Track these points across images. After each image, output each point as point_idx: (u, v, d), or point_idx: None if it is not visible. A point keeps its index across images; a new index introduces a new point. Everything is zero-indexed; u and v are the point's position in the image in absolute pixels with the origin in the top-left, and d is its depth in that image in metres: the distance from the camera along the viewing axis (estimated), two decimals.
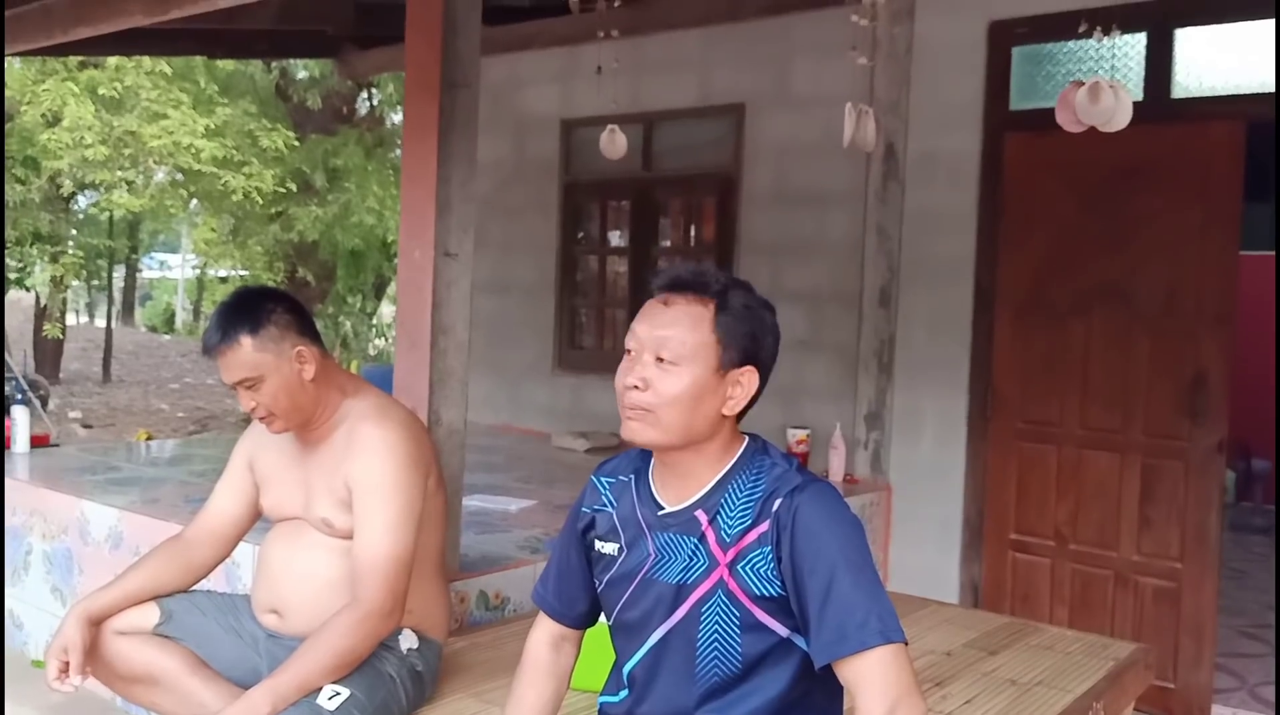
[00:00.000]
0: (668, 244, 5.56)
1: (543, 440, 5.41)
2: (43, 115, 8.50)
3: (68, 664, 2.09)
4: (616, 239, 5.69)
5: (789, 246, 4.85)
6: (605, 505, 1.73)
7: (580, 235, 5.76)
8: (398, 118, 12.27)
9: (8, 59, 9.40)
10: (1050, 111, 3.51)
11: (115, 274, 20.17)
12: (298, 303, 2.28)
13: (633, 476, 1.72)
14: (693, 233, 5.46)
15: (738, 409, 1.62)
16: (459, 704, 2.33)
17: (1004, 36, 4.22)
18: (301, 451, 2.24)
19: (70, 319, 22.26)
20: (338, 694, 1.98)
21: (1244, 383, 4.59)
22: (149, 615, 2.23)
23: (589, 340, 5.79)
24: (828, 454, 4.52)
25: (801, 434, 4.58)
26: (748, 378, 1.61)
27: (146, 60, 8.98)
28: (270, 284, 2.35)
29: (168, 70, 9.19)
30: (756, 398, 1.65)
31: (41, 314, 14.80)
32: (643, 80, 5.28)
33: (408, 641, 2.18)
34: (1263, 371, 5.83)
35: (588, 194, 5.66)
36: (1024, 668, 2.74)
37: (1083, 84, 3.17)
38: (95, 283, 20.41)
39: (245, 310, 2.15)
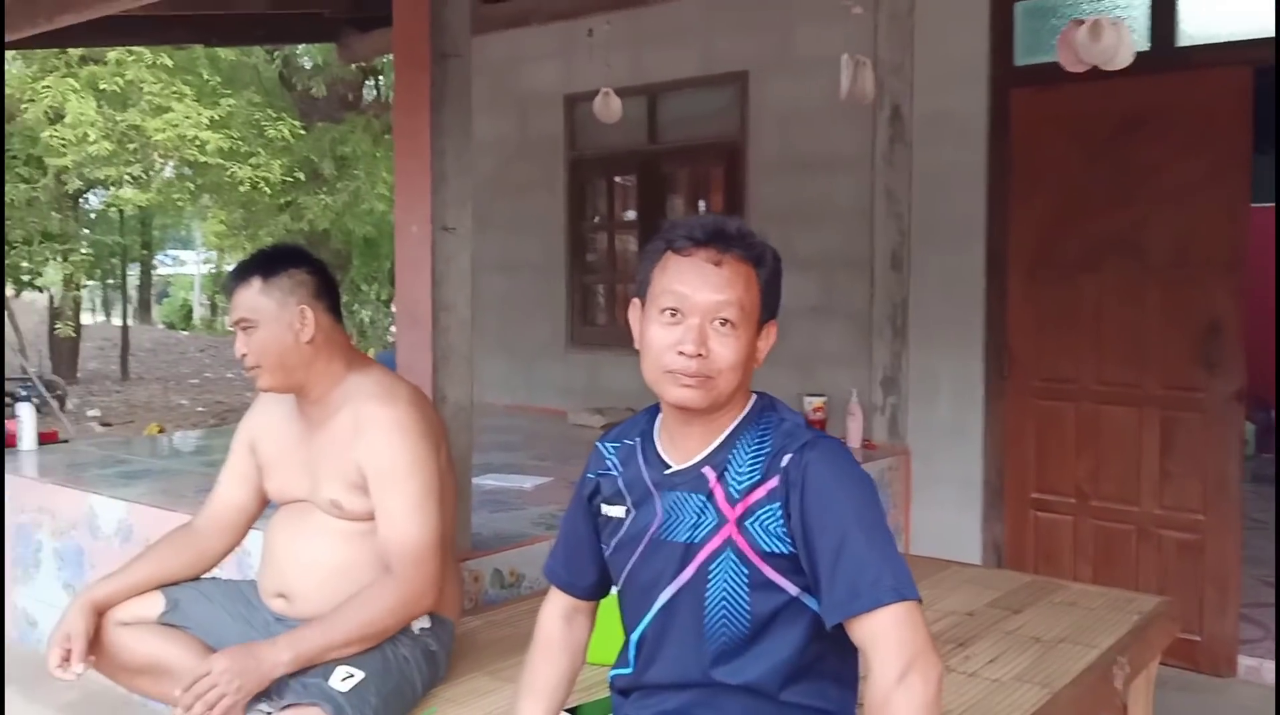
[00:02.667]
0: (676, 216, 5.50)
1: (559, 418, 5.38)
2: (44, 113, 8.49)
3: (70, 652, 2.06)
4: (625, 214, 5.63)
5: (798, 213, 4.78)
6: (610, 470, 1.69)
7: (591, 213, 5.71)
8: None
9: (14, 56, 9.39)
10: (1055, 65, 3.44)
11: (130, 271, 20.23)
12: (326, 272, 2.27)
13: (639, 439, 1.68)
14: (701, 204, 5.39)
15: (761, 362, 1.60)
16: (474, 682, 2.30)
17: None
18: (305, 432, 2.21)
19: (87, 318, 22.40)
20: (351, 675, 1.95)
21: (1262, 336, 4.52)
22: (154, 604, 2.20)
23: (602, 317, 5.75)
24: (845, 421, 4.47)
25: (818, 401, 4.53)
26: (773, 332, 1.61)
27: (148, 54, 8.97)
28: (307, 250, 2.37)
29: (169, 63, 9.18)
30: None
31: (55, 314, 14.88)
32: (644, 52, 5.22)
33: (420, 622, 2.15)
34: None
35: (594, 169, 5.60)
36: (1048, 625, 2.70)
37: (1083, 22, 3.09)
38: (110, 281, 20.48)
39: (271, 259, 2.20)
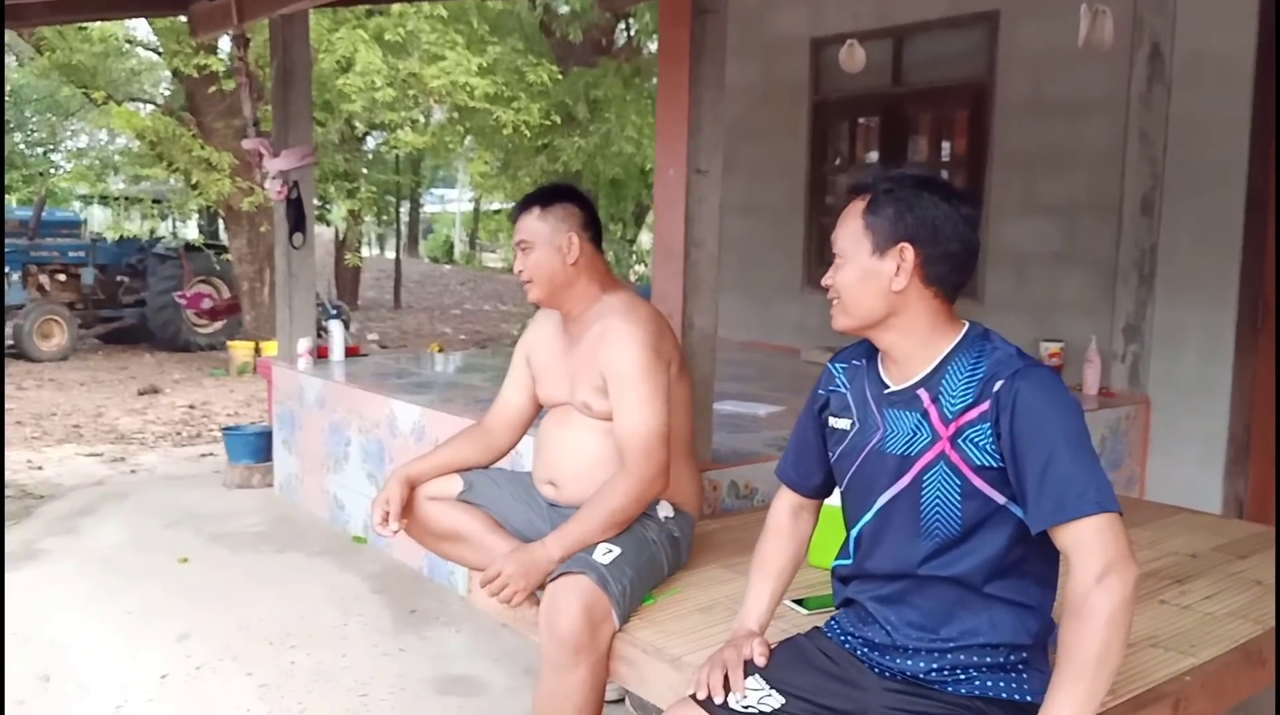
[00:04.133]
0: (918, 159, 5.55)
1: (792, 355, 5.62)
2: (336, 62, 9.36)
3: (388, 514, 2.54)
4: (866, 157, 5.73)
5: (1044, 157, 4.75)
6: (840, 386, 1.92)
7: (833, 156, 5.85)
8: (653, 46, 12.57)
9: (311, 12, 10.39)
10: None
11: (401, 209, 21.90)
12: (592, 207, 2.66)
13: (864, 360, 1.90)
14: (944, 148, 5.42)
15: (904, 284, 1.73)
16: (711, 572, 2.63)
17: None
18: (567, 345, 2.59)
19: (364, 252, 24.32)
20: (611, 551, 2.32)
21: None
22: (454, 484, 2.65)
23: None
24: (1082, 367, 4.46)
25: (1054, 347, 4.55)
26: (906, 253, 1.73)
27: (425, 5, 9.69)
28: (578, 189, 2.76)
29: (444, 13, 9.88)
30: (947, 277, 1.74)
31: (341, 246, 16.41)
32: None
33: (664, 511, 2.49)
34: None
35: (836, 113, 5.72)
36: (1272, 572, 2.72)
37: None
38: (385, 217, 22.18)
39: (551, 193, 2.59)
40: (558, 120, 10.87)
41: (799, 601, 2.38)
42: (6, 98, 15.65)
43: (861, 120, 5.69)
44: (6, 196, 13.12)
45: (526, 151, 11.31)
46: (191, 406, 8.76)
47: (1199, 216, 4.24)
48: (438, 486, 2.65)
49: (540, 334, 2.72)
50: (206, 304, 12.17)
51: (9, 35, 9.88)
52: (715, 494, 3.23)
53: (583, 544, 2.33)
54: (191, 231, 13.49)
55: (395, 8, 9.83)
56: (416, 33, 9.78)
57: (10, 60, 12.87)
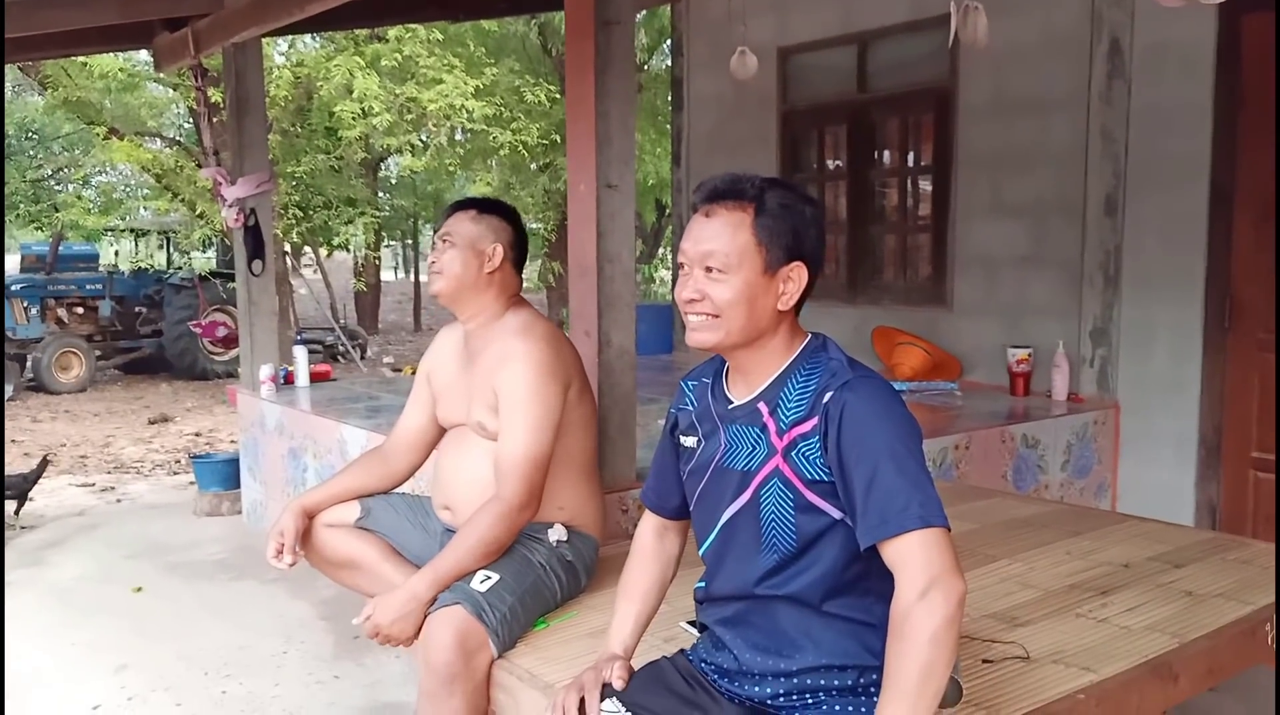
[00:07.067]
0: (886, 165, 5.46)
1: None
2: (333, 89, 9.46)
3: (282, 545, 2.50)
4: (834, 164, 5.65)
5: (1009, 158, 4.65)
6: (687, 405, 1.87)
7: (803, 164, 5.77)
8: (657, 63, 12.58)
9: (300, 39, 10.47)
10: None
11: (425, 232, 22.10)
12: (524, 232, 2.66)
13: (711, 377, 1.85)
14: (910, 154, 5.33)
15: (791, 303, 1.70)
16: (614, 595, 2.56)
17: None
18: (465, 364, 2.54)
19: (388, 275, 24.50)
20: (489, 578, 2.26)
21: None
22: (351, 511, 2.62)
23: None
24: (1050, 373, 4.35)
25: (1022, 353, 4.43)
26: (797, 273, 1.68)
27: (422, 30, 9.77)
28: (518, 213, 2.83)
29: (440, 37, 9.95)
30: (809, 291, 1.72)
31: (358, 272, 16.57)
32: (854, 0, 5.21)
33: (556, 534, 2.43)
34: None
35: (805, 122, 5.65)
36: (1208, 580, 2.60)
37: None
38: (409, 241, 22.35)
39: (490, 204, 2.61)
40: (558, 139, 10.90)
41: (693, 623, 2.31)
42: (18, 131, 16.00)
43: (830, 128, 5.60)
44: (21, 232, 13.42)
45: (527, 171, 11.35)
46: (198, 434, 8.85)
47: (1164, 213, 4.12)
48: (335, 513, 2.62)
49: (441, 353, 2.68)
50: (221, 332, 12.29)
51: (15, 72, 10.09)
52: (640, 512, 3.16)
53: (459, 572, 2.27)
54: (211, 262, 13.68)
55: (393, 33, 9.92)
56: (414, 57, 9.86)
57: (37, 98, 13.16)
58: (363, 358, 13.40)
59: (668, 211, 13.16)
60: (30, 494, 5.40)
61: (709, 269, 1.67)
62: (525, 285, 2.77)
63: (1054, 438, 4.05)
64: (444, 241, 2.53)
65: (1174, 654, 2.19)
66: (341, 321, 15.47)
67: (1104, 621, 2.36)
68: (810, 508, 1.66)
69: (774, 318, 1.70)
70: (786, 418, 1.68)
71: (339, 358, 12.93)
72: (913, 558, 1.53)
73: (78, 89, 9.75)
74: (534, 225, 11.96)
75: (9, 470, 6.54)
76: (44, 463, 5.63)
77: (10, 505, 5.28)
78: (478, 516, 2.30)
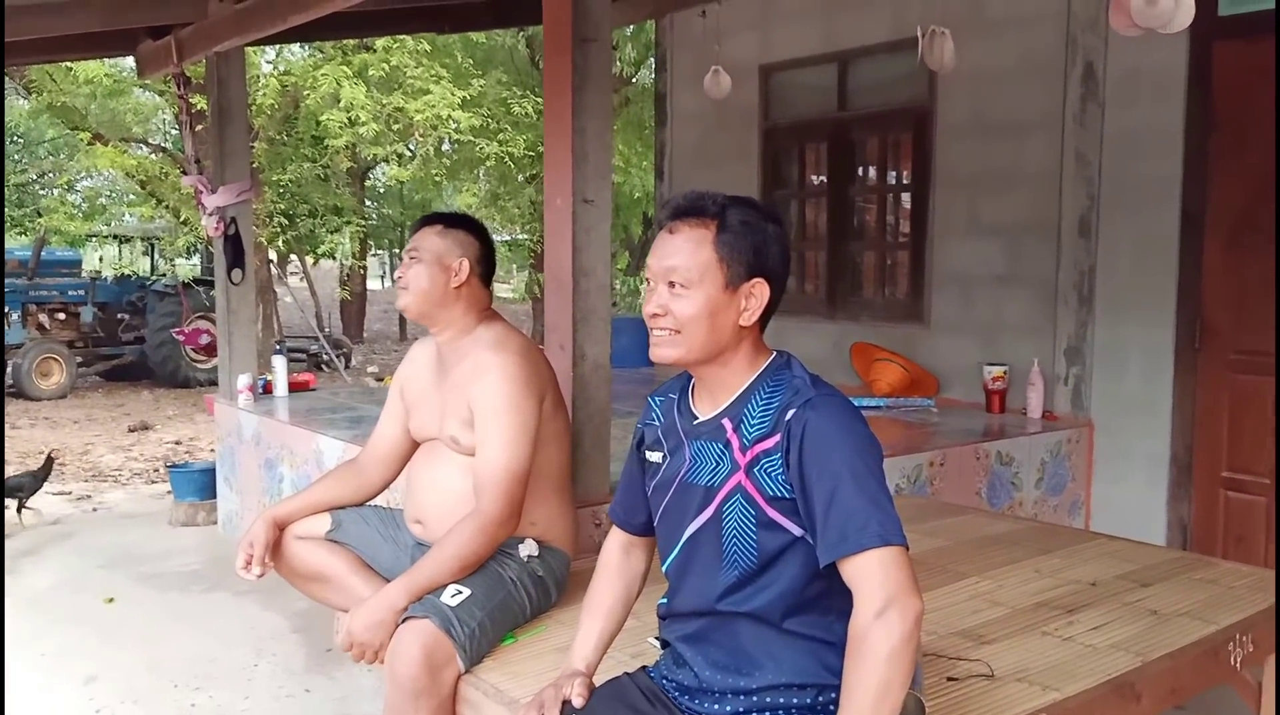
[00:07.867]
0: (866, 183, 5.49)
1: None
2: (321, 98, 9.46)
3: (251, 556, 2.50)
4: (814, 181, 5.69)
5: (985, 179, 4.69)
6: (654, 420, 1.89)
7: (785, 181, 5.80)
8: (640, 75, 12.62)
9: (287, 47, 10.46)
10: (1265, 15, 3.24)
11: None
12: (491, 246, 2.66)
13: (678, 393, 1.87)
14: (890, 172, 5.37)
15: (754, 319, 1.72)
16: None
17: None
18: (438, 378, 2.55)
19: (375, 284, 24.46)
20: (459, 592, 2.26)
21: None
22: (322, 523, 2.61)
23: (790, 283, 5.84)
24: (1025, 391, 4.38)
25: (997, 371, 4.47)
26: (759, 289, 1.70)
27: (410, 40, 9.80)
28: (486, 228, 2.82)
29: (428, 48, 9.97)
30: (773, 308, 1.74)
31: (343, 281, 16.55)
32: (836, 18, 5.25)
33: (527, 549, 2.43)
34: None
35: (786, 138, 5.69)
36: (1174, 599, 2.62)
37: None
38: (395, 251, 22.32)
39: (457, 219, 2.60)
40: None
41: (660, 638, 2.32)
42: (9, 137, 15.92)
43: (811, 146, 5.64)
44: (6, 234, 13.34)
45: (514, 183, 11.37)
46: (178, 442, 8.81)
47: (1136, 234, 4.16)
48: (306, 525, 2.61)
49: (414, 366, 2.69)
50: (204, 340, 12.25)
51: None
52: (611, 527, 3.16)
53: (433, 585, 2.27)
54: (195, 269, 13.65)
55: (380, 43, 9.94)
56: (401, 67, 9.88)
57: (22, 103, 13.11)
58: (347, 367, 13.37)
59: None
60: (27, 499, 5.37)
61: (671, 284, 1.69)
62: (510, 297, 2.78)
63: (1028, 455, 4.08)
64: (410, 257, 2.53)
65: (1136, 673, 2.22)
66: (326, 330, 15.43)
67: (1069, 640, 2.38)
68: (771, 524, 1.68)
69: (736, 334, 1.72)
70: (750, 434, 1.70)
71: (323, 367, 12.89)
72: (871, 576, 1.54)
73: (62, 94, 9.74)
74: (520, 237, 11.98)
75: (15, 470, 6.53)
76: (49, 461, 5.61)
77: (11, 504, 5.25)
78: (457, 529, 2.31)
